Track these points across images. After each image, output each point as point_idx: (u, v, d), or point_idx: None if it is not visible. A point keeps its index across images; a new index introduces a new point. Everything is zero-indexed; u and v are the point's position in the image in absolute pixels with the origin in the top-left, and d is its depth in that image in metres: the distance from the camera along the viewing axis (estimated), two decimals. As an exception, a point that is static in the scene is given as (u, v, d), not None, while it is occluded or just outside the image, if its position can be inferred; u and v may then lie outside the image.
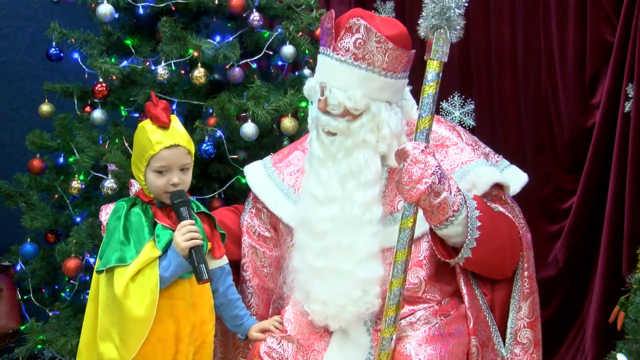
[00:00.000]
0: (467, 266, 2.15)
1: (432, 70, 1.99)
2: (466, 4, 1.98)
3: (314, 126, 2.23)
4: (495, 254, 2.13)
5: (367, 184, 2.14)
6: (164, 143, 2.03)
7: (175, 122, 2.09)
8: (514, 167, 2.36)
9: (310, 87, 2.22)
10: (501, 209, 2.23)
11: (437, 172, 1.94)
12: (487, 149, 2.36)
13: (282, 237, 2.40)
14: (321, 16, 3.19)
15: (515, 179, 2.34)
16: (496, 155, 2.36)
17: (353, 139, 2.14)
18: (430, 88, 1.99)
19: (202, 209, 2.16)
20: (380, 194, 2.18)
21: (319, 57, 2.19)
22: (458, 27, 1.97)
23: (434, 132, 2.26)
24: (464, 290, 2.19)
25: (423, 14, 1.99)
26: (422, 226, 2.11)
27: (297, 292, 2.24)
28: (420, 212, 2.04)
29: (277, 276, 2.40)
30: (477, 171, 2.22)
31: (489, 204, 2.20)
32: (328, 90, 2.13)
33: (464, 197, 2.04)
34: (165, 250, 2.01)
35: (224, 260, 2.19)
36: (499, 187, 2.27)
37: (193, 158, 2.12)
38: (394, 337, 2.05)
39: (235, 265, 2.43)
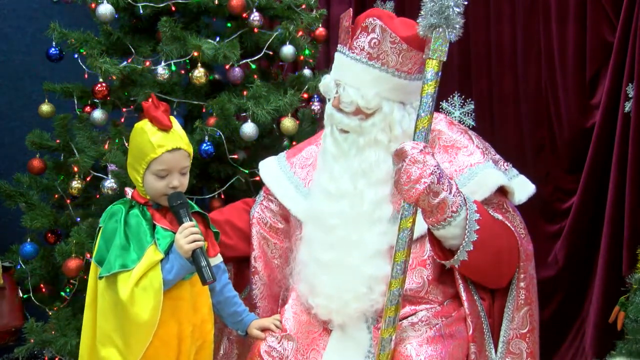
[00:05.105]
0: (462, 270, 2.15)
1: (431, 69, 2.00)
2: (465, 3, 1.99)
3: (328, 123, 2.26)
4: (491, 261, 2.12)
5: (378, 182, 2.16)
6: (166, 146, 2.02)
7: (175, 124, 2.09)
8: (522, 177, 2.37)
9: (326, 83, 2.25)
10: (501, 218, 2.23)
11: (435, 171, 1.94)
12: (497, 156, 2.36)
13: (293, 229, 2.42)
14: (321, 16, 3.23)
15: (523, 188, 2.34)
16: (506, 164, 2.36)
17: (365, 137, 2.17)
18: (429, 87, 1.99)
19: (195, 208, 2.16)
20: (391, 193, 2.18)
21: (336, 54, 2.23)
22: (457, 26, 1.97)
23: (445, 134, 2.29)
24: (463, 296, 2.19)
25: (422, 12, 1.99)
26: (425, 225, 2.11)
27: (301, 285, 2.25)
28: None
29: (285, 268, 2.41)
30: (485, 173, 2.22)
31: (490, 211, 2.20)
32: (342, 87, 2.16)
33: (464, 199, 2.04)
34: (167, 253, 2.01)
35: (219, 259, 2.19)
36: (503, 194, 2.27)
37: (191, 160, 2.12)
38: (394, 337, 2.06)
39: (243, 261, 2.47)
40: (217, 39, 2.99)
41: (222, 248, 2.25)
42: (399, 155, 1.97)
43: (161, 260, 2.00)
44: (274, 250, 2.46)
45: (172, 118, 2.09)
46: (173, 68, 2.89)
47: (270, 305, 2.41)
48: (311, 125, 3.17)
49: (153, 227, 2.05)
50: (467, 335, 2.15)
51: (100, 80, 2.85)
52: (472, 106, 3.53)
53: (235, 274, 2.55)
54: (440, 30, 1.97)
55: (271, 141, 3.16)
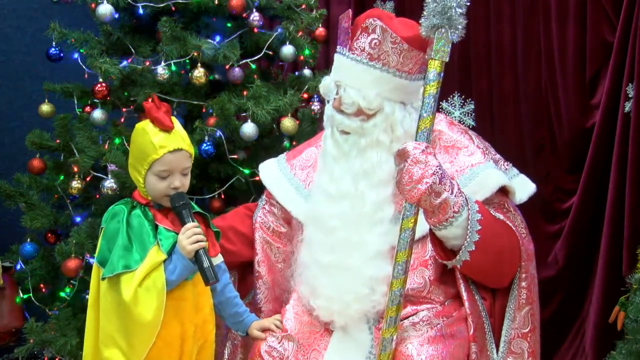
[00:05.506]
0: (464, 270, 2.15)
1: (433, 70, 2.00)
2: (467, 3, 1.99)
3: (328, 124, 2.26)
4: (493, 260, 2.12)
5: (380, 183, 2.16)
6: (168, 147, 2.02)
7: (177, 125, 2.09)
8: (523, 176, 2.37)
9: (326, 85, 2.26)
10: (502, 218, 2.23)
11: (437, 172, 1.95)
12: (498, 156, 2.36)
13: (294, 232, 2.42)
14: (321, 16, 3.23)
15: (523, 188, 2.34)
16: (506, 163, 2.36)
17: (367, 138, 2.17)
18: (431, 88, 1.99)
19: (196, 208, 2.16)
20: (393, 194, 2.18)
21: (336, 56, 2.22)
22: (459, 27, 1.97)
23: (445, 134, 2.29)
24: (464, 296, 2.19)
25: (424, 13, 1.99)
26: (427, 225, 2.11)
27: (303, 287, 2.25)
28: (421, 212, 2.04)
29: (288, 271, 2.41)
30: (486, 173, 2.23)
31: (491, 211, 2.20)
32: (342, 89, 2.16)
33: (466, 199, 2.04)
34: (169, 253, 2.01)
35: (219, 259, 2.19)
36: (504, 194, 2.27)
37: (192, 160, 2.12)
38: (395, 337, 2.06)
39: (247, 266, 2.47)
40: (217, 39, 2.99)
41: (226, 254, 2.25)
42: (401, 156, 1.97)
43: (164, 261, 2.00)
44: (277, 254, 2.45)
45: (174, 119, 2.09)
46: (173, 68, 2.89)
47: (275, 309, 2.40)
48: (311, 126, 3.17)
49: (155, 227, 2.05)
50: (468, 335, 2.15)
51: (100, 80, 2.84)
52: (472, 106, 3.53)
53: (239, 278, 2.55)
54: (443, 30, 1.97)
55: (271, 141, 3.17)
